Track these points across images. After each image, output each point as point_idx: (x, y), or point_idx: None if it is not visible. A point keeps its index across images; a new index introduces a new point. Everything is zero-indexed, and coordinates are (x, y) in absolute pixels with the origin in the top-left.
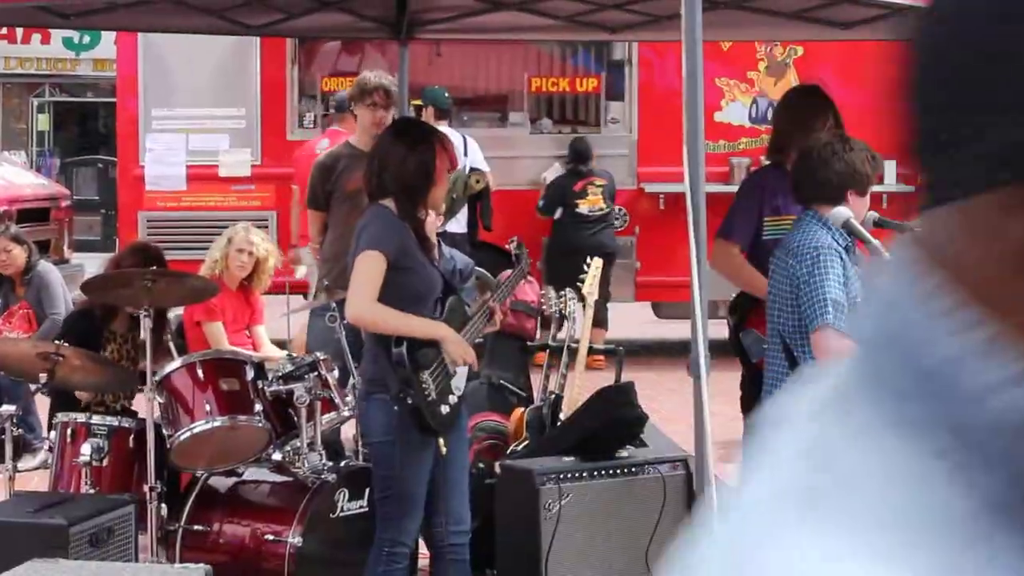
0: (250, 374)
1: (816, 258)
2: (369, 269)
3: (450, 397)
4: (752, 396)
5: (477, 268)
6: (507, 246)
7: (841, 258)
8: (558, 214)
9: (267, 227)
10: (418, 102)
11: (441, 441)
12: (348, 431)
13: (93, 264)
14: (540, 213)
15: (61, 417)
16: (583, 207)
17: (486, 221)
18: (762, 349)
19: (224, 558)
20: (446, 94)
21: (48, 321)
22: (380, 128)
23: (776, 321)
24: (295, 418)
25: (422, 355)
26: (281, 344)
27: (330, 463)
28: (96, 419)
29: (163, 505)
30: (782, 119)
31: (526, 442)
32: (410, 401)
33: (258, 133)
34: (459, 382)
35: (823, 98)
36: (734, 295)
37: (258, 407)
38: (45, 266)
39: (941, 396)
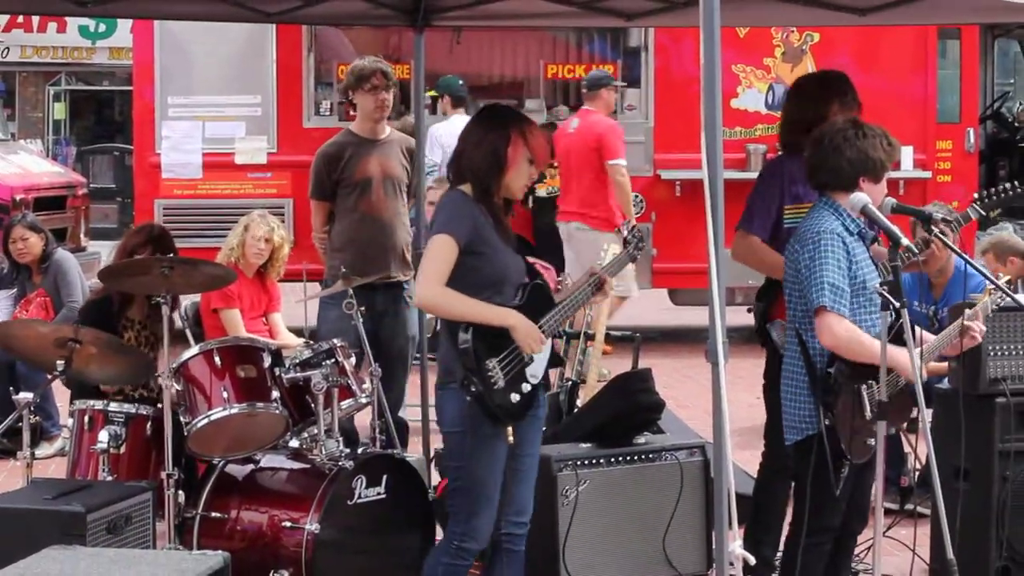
0: (267, 361)
1: (817, 243)
2: (439, 253)
3: (523, 385)
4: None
5: None
6: (620, 227)
7: (844, 243)
8: (530, 203)
9: (283, 215)
10: (433, 92)
11: (509, 430)
12: (363, 418)
13: (110, 252)
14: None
15: (78, 404)
16: (541, 191)
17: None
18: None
19: (241, 545)
20: (460, 82)
21: (65, 309)
22: (384, 111)
23: (789, 308)
24: (312, 405)
25: (492, 341)
26: (298, 331)
27: (347, 450)
28: (113, 406)
29: (180, 492)
30: (796, 106)
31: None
32: (473, 389)
33: (274, 120)
34: (537, 368)
35: (838, 82)
36: (754, 283)
37: (275, 394)
38: (62, 254)
39: None
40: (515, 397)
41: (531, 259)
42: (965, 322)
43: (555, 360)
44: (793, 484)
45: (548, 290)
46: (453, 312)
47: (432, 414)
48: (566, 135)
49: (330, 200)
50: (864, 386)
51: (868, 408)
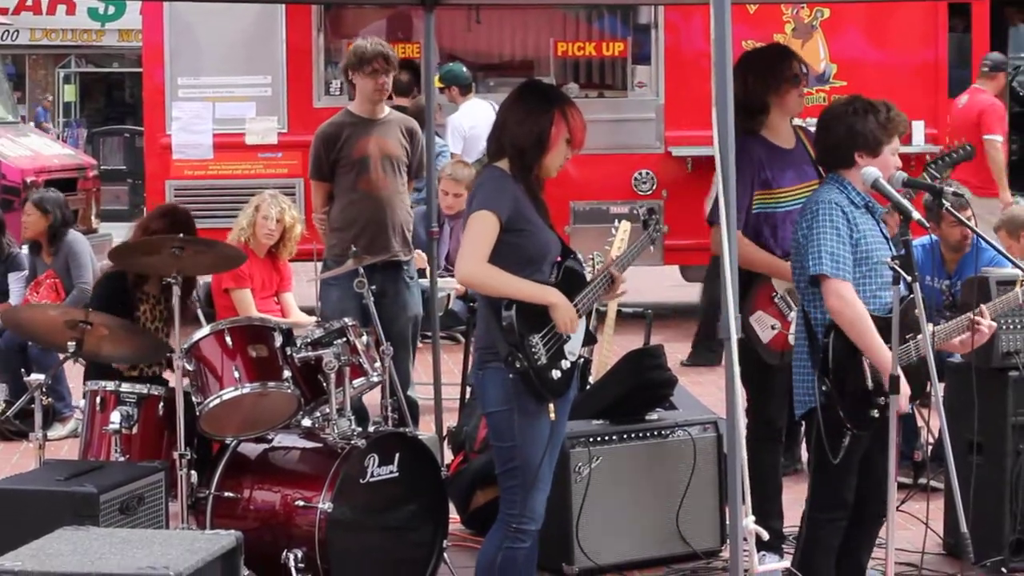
0: (279, 340)
1: (816, 213)
2: (481, 229)
3: (562, 362)
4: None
5: None
6: (638, 211)
7: (845, 212)
8: None
9: (294, 195)
10: (440, 84)
11: (551, 407)
12: (374, 396)
13: (121, 233)
14: None
15: (90, 385)
16: None
17: None
18: (772, 328)
19: (254, 524)
20: (465, 70)
21: (76, 290)
22: (382, 94)
23: (794, 279)
24: (324, 384)
25: (532, 318)
26: (310, 311)
27: (359, 428)
28: (125, 387)
29: (193, 472)
30: (753, 82)
31: None
32: (518, 365)
33: (284, 100)
34: (574, 346)
35: (783, 53)
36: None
37: (287, 373)
38: (74, 235)
39: None
40: (556, 374)
41: None
42: (973, 317)
43: (589, 338)
44: (805, 457)
45: (581, 269)
46: (496, 289)
47: (445, 392)
48: (956, 109)
49: (329, 180)
50: (865, 356)
51: (869, 378)
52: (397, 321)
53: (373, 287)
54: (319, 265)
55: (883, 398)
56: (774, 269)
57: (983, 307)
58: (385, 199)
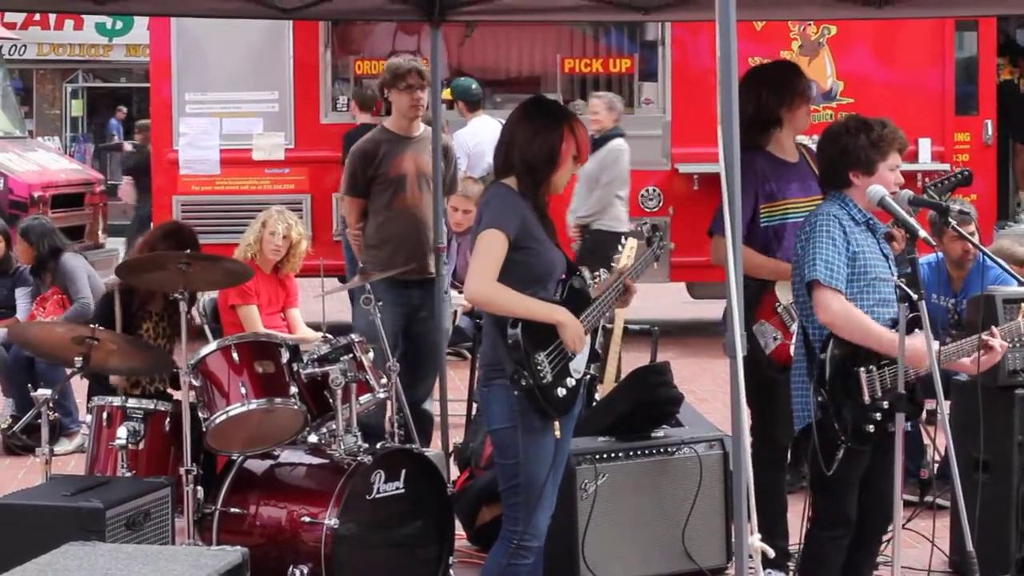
0: (285, 356)
1: (813, 224)
2: (490, 248)
3: (567, 380)
4: (763, 391)
5: None
6: (641, 227)
7: (842, 225)
8: None
9: (301, 211)
10: (448, 97)
11: (557, 424)
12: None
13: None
14: None
15: (97, 401)
16: None
17: None
18: (774, 339)
19: (260, 540)
20: (473, 86)
21: (77, 304)
22: (419, 110)
23: (794, 293)
24: (330, 400)
25: (538, 336)
26: (316, 327)
27: (366, 445)
28: (132, 402)
29: (199, 488)
30: (767, 97)
31: None
32: (523, 382)
33: (291, 116)
34: (579, 364)
35: (795, 68)
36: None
37: (293, 389)
38: (66, 258)
39: None
40: (561, 391)
41: None
42: (984, 337)
43: (594, 356)
44: (807, 475)
45: (586, 286)
46: (505, 307)
47: (451, 408)
48: None
49: (364, 197)
50: (863, 370)
51: (866, 393)
52: (430, 335)
53: (380, 303)
54: (332, 281)
55: (879, 413)
56: (776, 272)
57: (994, 328)
58: (421, 216)
